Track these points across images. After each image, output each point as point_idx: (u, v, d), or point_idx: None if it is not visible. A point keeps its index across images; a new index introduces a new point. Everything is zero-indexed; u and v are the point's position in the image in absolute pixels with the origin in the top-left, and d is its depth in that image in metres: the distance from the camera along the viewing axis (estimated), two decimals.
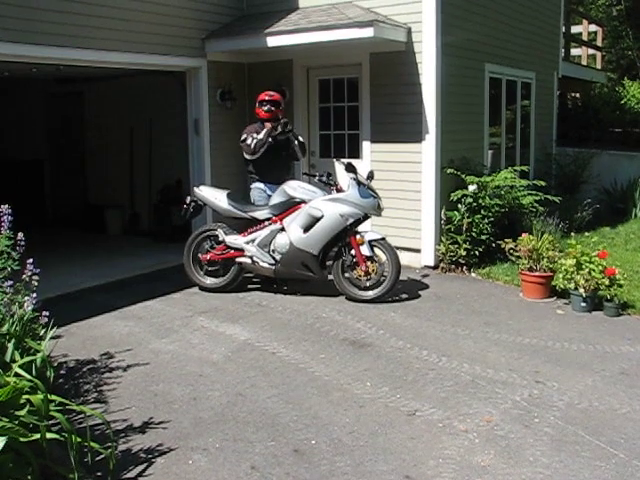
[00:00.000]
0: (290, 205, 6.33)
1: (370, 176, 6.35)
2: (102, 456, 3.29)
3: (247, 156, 6.60)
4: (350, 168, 6.12)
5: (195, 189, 6.86)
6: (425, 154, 7.29)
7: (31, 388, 3.08)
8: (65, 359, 4.73)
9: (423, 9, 7.10)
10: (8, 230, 3.87)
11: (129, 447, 3.50)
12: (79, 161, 10.74)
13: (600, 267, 5.78)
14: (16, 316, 3.70)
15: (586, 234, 7.23)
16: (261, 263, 6.32)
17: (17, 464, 2.80)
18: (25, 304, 3.74)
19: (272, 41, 7.40)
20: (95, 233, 9.89)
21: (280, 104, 6.74)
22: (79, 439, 3.07)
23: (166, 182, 9.39)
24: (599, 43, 16.33)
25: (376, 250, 6.13)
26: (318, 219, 6.12)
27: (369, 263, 6.08)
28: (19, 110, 11.03)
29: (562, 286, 6.01)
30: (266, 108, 6.64)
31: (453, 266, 7.25)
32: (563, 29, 12.00)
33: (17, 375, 3.18)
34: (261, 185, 6.71)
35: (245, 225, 6.49)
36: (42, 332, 3.84)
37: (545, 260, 6.17)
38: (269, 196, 6.60)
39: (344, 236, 6.16)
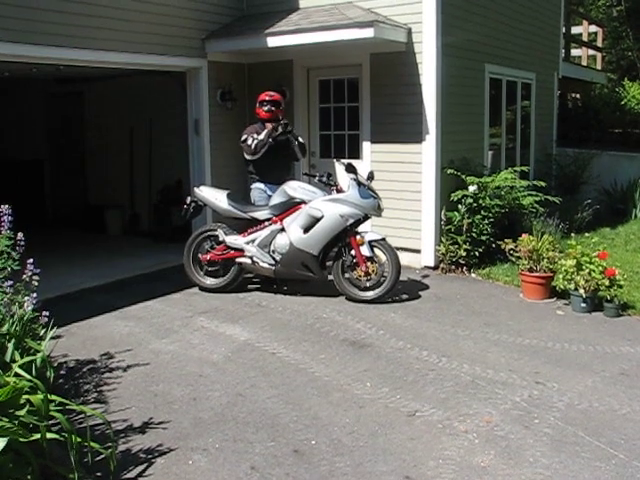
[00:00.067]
0: (290, 205, 6.33)
1: (370, 176, 6.35)
2: (102, 456, 3.29)
3: (247, 156, 6.60)
4: (350, 168, 6.12)
5: (195, 189, 6.86)
6: (425, 154, 7.29)
7: (31, 388, 3.08)
8: (65, 359, 4.73)
9: (423, 10, 7.10)
10: (8, 230, 3.87)
11: (129, 447, 3.50)
12: (79, 161, 10.74)
13: (600, 268, 5.78)
14: (16, 316, 3.70)
15: (586, 235, 7.24)
16: (261, 263, 6.32)
17: (17, 464, 2.80)
18: (25, 304, 3.74)
19: (272, 41, 7.40)
20: (95, 233, 9.89)
21: (280, 104, 6.75)
22: (79, 439, 3.07)
23: (166, 182, 9.39)
24: (599, 44, 16.34)
25: (376, 250, 6.13)
26: (318, 219, 6.12)
27: (369, 263, 6.08)
28: (19, 110, 11.03)
29: (562, 287, 6.01)
30: (266, 108, 6.64)
31: (453, 267, 7.25)
32: (563, 30, 12.01)
33: (17, 375, 3.18)
34: (261, 185, 6.71)
35: (245, 225, 6.49)
36: (42, 332, 3.84)
37: (545, 261, 6.17)
38: (269, 196, 6.59)
39: (344, 236, 6.16)
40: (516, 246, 6.43)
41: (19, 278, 3.86)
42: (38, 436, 2.86)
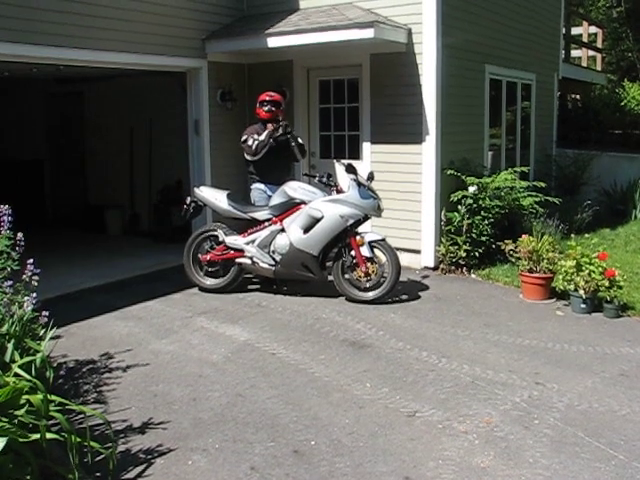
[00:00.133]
0: (290, 206, 6.33)
1: (370, 177, 6.35)
2: (102, 456, 3.29)
3: (248, 157, 6.60)
4: (350, 169, 6.11)
5: (195, 189, 6.86)
6: (425, 155, 7.29)
7: (31, 388, 3.08)
8: (65, 359, 4.73)
9: (423, 10, 7.10)
10: (8, 230, 3.87)
11: (128, 447, 3.50)
12: (79, 161, 10.74)
13: (600, 269, 5.78)
14: (16, 316, 3.69)
15: (586, 235, 7.24)
16: (261, 264, 6.32)
17: (17, 464, 2.80)
18: (25, 304, 3.74)
19: (272, 42, 7.40)
20: (95, 233, 9.89)
21: (281, 104, 6.75)
22: (79, 439, 3.07)
23: (166, 182, 9.39)
24: (599, 45, 16.34)
25: (376, 251, 6.13)
26: (318, 220, 6.12)
27: (369, 264, 6.08)
28: (19, 110, 11.03)
29: (562, 287, 6.01)
30: (267, 108, 6.64)
31: (453, 267, 7.25)
32: (563, 31, 12.02)
33: (17, 375, 3.18)
34: (261, 186, 6.71)
35: (245, 226, 6.49)
36: (42, 332, 3.83)
37: (545, 261, 6.17)
38: (269, 197, 6.59)
39: (344, 237, 6.16)
40: (516, 247, 6.43)
41: (19, 278, 3.86)
42: (38, 436, 2.86)
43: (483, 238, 7.20)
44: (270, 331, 5.37)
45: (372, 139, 7.71)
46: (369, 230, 6.86)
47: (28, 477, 2.81)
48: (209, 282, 6.58)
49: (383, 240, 6.16)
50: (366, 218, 6.23)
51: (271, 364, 4.67)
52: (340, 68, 7.99)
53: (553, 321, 5.67)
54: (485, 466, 3.31)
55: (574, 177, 10.56)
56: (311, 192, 6.30)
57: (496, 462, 3.35)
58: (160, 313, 5.89)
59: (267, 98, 6.69)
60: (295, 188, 6.37)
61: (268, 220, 6.38)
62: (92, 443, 3.15)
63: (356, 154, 7.92)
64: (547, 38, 10.56)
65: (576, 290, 5.82)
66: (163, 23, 7.35)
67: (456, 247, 7.15)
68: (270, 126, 6.55)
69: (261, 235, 6.35)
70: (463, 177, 7.33)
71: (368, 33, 6.74)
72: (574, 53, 15.56)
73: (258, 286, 6.73)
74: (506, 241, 6.65)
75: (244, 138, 6.61)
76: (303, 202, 6.27)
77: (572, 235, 6.65)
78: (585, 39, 15.48)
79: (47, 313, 3.80)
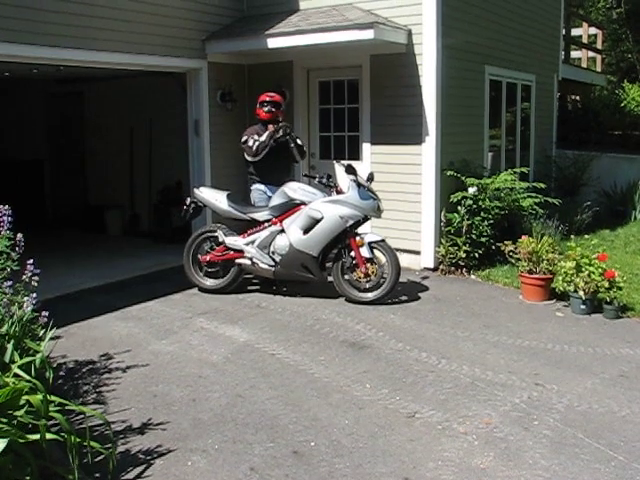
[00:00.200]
0: (290, 207, 6.33)
1: (370, 178, 6.36)
2: (101, 457, 3.29)
3: (248, 158, 6.60)
4: (350, 170, 6.12)
5: (195, 190, 6.86)
6: (425, 156, 7.29)
7: (30, 389, 3.08)
8: (64, 360, 4.73)
9: (423, 11, 7.11)
10: (8, 230, 3.87)
11: (128, 448, 3.50)
12: (79, 161, 10.75)
13: (600, 270, 5.78)
14: (16, 317, 3.69)
15: (586, 237, 7.24)
16: (261, 264, 6.32)
17: (16, 465, 2.80)
18: (25, 305, 3.74)
19: (272, 42, 7.40)
20: (95, 234, 9.89)
21: (281, 105, 6.75)
22: (78, 439, 3.07)
23: (166, 183, 9.39)
24: (599, 46, 16.34)
25: (376, 252, 6.13)
26: (318, 221, 6.12)
27: (369, 265, 6.08)
28: (19, 110, 11.03)
29: (562, 288, 6.01)
30: (267, 109, 6.64)
31: (453, 268, 7.25)
32: (563, 32, 12.02)
33: (16, 376, 3.18)
34: (261, 186, 6.71)
35: (245, 226, 6.49)
36: (41, 333, 3.83)
37: (545, 262, 6.17)
38: (269, 197, 6.60)
39: (344, 238, 6.16)
40: (516, 248, 6.43)
41: (19, 278, 3.86)
42: (37, 436, 2.86)
43: (483, 239, 7.20)
44: (270, 332, 5.37)
45: (372, 140, 7.71)
46: (369, 231, 6.85)
47: (28, 478, 2.81)
48: (209, 283, 6.58)
49: (383, 241, 6.16)
50: (366, 219, 6.23)
51: (271, 365, 4.67)
52: (340, 69, 7.99)
53: (553, 322, 5.67)
54: (485, 467, 3.31)
55: (574, 178, 10.56)
56: (311, 193, 6.30)
57: (496, 463, 3.35)
58: (160, 314, 5.89)
59: (267, 99, 6.69)
60: (295, 189, 6.37)
61: (268, 221, 6.38)
62: (92, 443, 3.15)
63: (356, 155, 7.92)
64: (547, 39, 10.56)
65: (576, 291, 5.83)
66: (163, 24, 7.36)
67: (456, 248, 7.16)
68: (271, 127, 6.55)
69: (261, 236, 6.35)
70: (463, 178, 7.34)
71: (368, 34, 6.74)
72: (574, 54, 15.56)
73: (258, 287, 6.73)
74: (506, 242, 6.65)
75: (244, 139, 6.61)
76: (303, 203, 6.27)
77: (572, 236, 6.66)
78: (585, 40, 15.47)
79: (47, 313, 3.80)
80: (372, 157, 7.71)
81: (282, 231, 6.30)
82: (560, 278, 5.99)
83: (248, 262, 6.37)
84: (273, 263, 6.30)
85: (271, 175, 6.64)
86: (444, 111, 7.33)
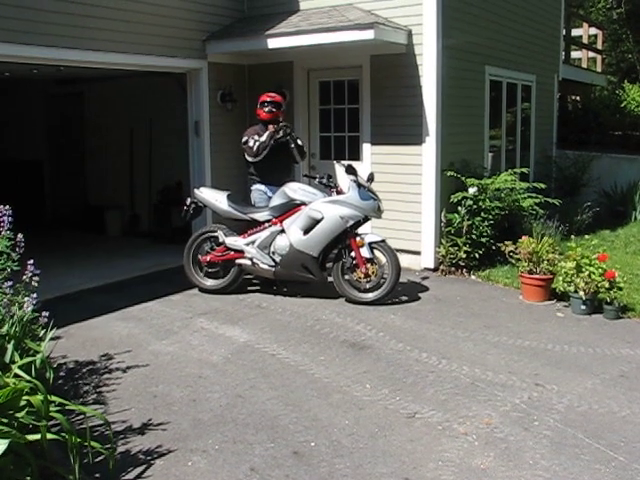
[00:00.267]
0: (290, 207, 6.33)
1: (370, 178, 6.35)
2: (101, 458, 3.29)
3: (249, 158, 6.60)
4: (350, 170, 6.12)
5: (195, 190, 6.86)
6: (425, 156, 7.29)
7: (31, 389, 3.08)
8: (64, 360, 4.73)
9: (424, 12, 7.11)
10: (8, 231, 3.86)
11: (128, 449, 3.50)
12: (79, 162, 10.75)
13: (600, 270, 5.78)
14: (16, 317, 3.69)
15: (586, 237, 7.23)
16: (261, 265, 6.32)
17: (17, 465, 2.80)
18: (25, 305, 3.74)
19: (273, 43, 7.40)
20: (95, 234, 9.88)
21: (281, 106, 6.75)
22: (79, 440, 3.07)
23: (166, 183, 9.39)
24: (599, 46, 16.33)
25: (376, 252, 6.13)
26: (318, 221, 6.12)
27: (369, 265, 6.08)
28: (19, 110, 11.03)
29: (562, 289, 6.01)
30: (267, 109, 6.64)
31: (453, 268, 7.24)
32: (563, 32, 12.02)
33: (17, 376, 3.18)
34: (262, 187, 6.71)
35: (245, 227, 6.49)
36: (42, 333, 3.83)
37: (545, 263, 6.17)
38: (269, 198, 6.60)
39: (344, 238, 6.16)
40: (516, 248, 6.43)
41: (19, 279, 3.86)
42: (38, 437, 2.86)
43: (483, 239, 7.20)
44: (270, 332, 5.37)
45: (372, 140, 7.71)
46: (369, 231, 6.85)
47: (28, 478, 2.81)
48: (209, 283, 6.58)
49: (383, 241, 6.16)
50: (366, 219, 6.23)
51: (271, 365, 4.67)
52: (340, 69, 7.99)
53: (553, 322, 5.67)
54: (485, 467, 3.31)
55: (574, 178, 10.56)
56: (311, 193, 6.30)
57: (496, 463, 3.35)
58: (160, 314, 5.89)
59: (268, 99, 6.69)
60: (295, 189, 6.37)
61: (268, 221, 6.38)
62: (93, 443, 3.15)
63: (356, 155, 7.92)
64: (547, 39, 10.56)
65: (576, 291, 5.83)
66: (163, 24, 7.36)
67: (456, 248, 7.15)
68: (271, 127, 6.55)
69: (261, 236, 6.35)
70: (463, 178, 7.33)
71: (368, 34, 6.74)
72: (574, 54, 15.55)
73: (258, 287, 6.73)
74: (506, 242, 6.65)
75: (245, 139, 6.60)
76: (303, 203, 6.27)
77: (572, 236, 6.65)
78: (585, 40, 15.47)
79: (47, 314, 3.80)
80: (372, 157, 7.71)
81: (282, 231, 6.30)
82: (560, 278, 5.99)
83: (248, 262, 6.37)
84: (273, 263, 6.30)
85: (271, 175, 6.64)
86: (444, 111, 7.33)
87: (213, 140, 8.11)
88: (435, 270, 7.36)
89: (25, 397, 2.97)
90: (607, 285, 5.74)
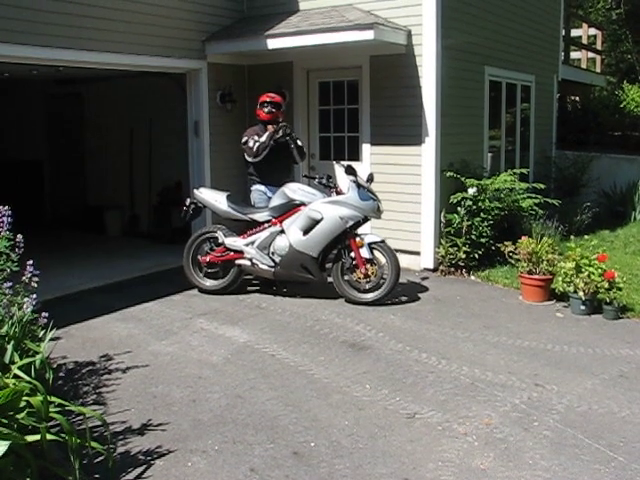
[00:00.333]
0: (290, 207, 6.33)
1: (370, 179, 6.36)
2: (101, 458, 3.29)
3: (249, 158, 6.60)
4: (350, 170, 6.12)
5: (195, 191, 6.86)
6: (425, 157, 7.30)
7: (31, 390, 3.08)
8: (64, 361, 4.73)
9: (423, 12, 7.11)
10: (7, 231, 3.86)
11: (128, 449, 3.49)
12: (78, 162, 10.74)
13: (599, 270, 5.78)
14: (15, 317, 3.69)
15: (585, 237, 7.24)
16: (260, 265, 6.32)
17: (17, 466, 2.80)
18: (24, 305, 3.74)
19: (272, 43, 7.40)
20: (94, 234, 9.88)
21: (281, 106, 6.75)
22: (79, 440, 3.07)
23: (166, 184, 9.39)
24: (599, 46, 16.34)
25: (376, 253, 6.14)
26: (318, 221, 6.12)
27: (368, 266, 6.08)
28: (19, 111, 11.03)
29: (561, 289, 6.01)
30: (267, 109, 6.64)
31: (452, 269, 7.25)
32: (563, 32, 12.02)
33: (16, 377, 3.18)
34: (261, 187, 6.71)
35: (245, 227, 6.49)
36: (41, 334, 3.83)
37: (544, 263, 6.17)
38: (269, 198, 6.60)
39: (344, 238, 6.16)
40: (515, 248, 6.43)
41: (18, 279, 3.86)
42: (38, 437, 2.86)
43: (482, 240, 7.20)
44: (270, 332, 5.37)
45: (372, 141, 7.71)
46: (369, 232, 6.86)
47: (27, 479, 2.81)
48: (209, 283, 6.58)
49: (383, 242, 6.16)
50: (366, 220, 6.23)
51: (271, 365, 4.67)
52: (340, 70, 8.00)
53: (552, 323, 5.68)
54: (485, 468, 3.31)
55: (573, 179, 10.56)
56: (311, 194, 6.30)
57: (496, 464, 3.35)
58: (160, 314, 5.89)
59: (267, 99, 6.69)
60: (295, 189, 6.37)
61: (268, 222, 6.38)
62: (93, 444, 3.15)
63: (356, 156, 7.92)
64: (546, 40, 10.56)
65: (575, 292, 5.83)
66: (163, 24, 7.35)
67: (455, 249, 7.16)
68: (271, 127, 6.55)
69: (261, 236, 6.35)
70: (463, 179, 7.34)
71: (368, 35, 6.74)
72: (573, 55, 15.56)
73: (258, 287, 6.73)
74: (506, 243, 6.66)
75: (245, 139, 6.61)
76: (303, 203, 6.27)
77: (571, 237, 6.66)
78: (584, 41, 15.48)
79: (46, 314, 3.80)
80: (372, 158, 7.71)
81: (282, 232, 6.30)
82: (560, 279, 5.99)
83: (248, 263, 6.37)
84: (273, 264, 6.30)
85: (271, 176, 6.64)
86: (444, 112, 7.33)
87: (213, 140, 8.11)
88: (435, 270, 7.36)
89: (25, 398, 2.97)
90: (606, 285, 5.75)
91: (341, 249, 6.21)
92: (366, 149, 7.79)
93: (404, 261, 7.06)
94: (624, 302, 5.91)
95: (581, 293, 5.78)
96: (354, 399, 4.12)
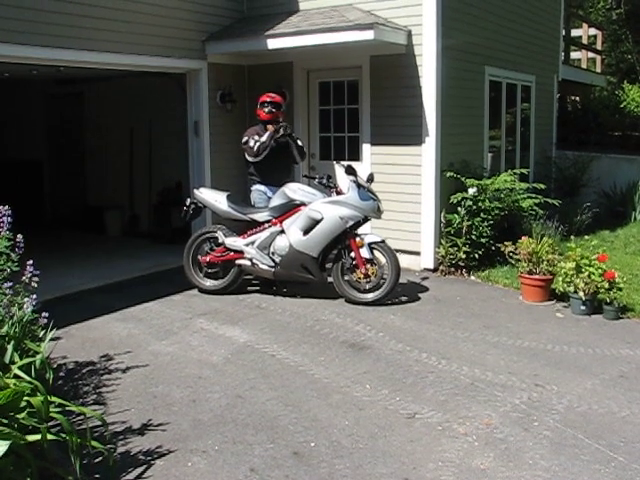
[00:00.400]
0: (290, 207, 6.33)
1: (370, 179, 6.36)
2: (101, 458, 3.29)
3: (249, 158, 6.60)
4: (350, 170, 6.12)
5: (195, 191, 6.86)
6: (425, 157, 7.30)
7: (31, 390, 3.08)
8: (64, 361, 4.73)
9: (423, 12, 7.11)
10: (7, 231, 3.86)
11: (128, 449, 3.50)
12: (79, 162, 10.75)
13: (600, 270, 5.78)
14: (15, 317, 3.70)
15: (586, 237, 7.24)
16: (261, 265, 6.32)
17: (17, 466, 2.80)
18: (24, 305, 3.74)
19: (272, 43, 7.40)
20: (94, 234, 9.88)
21: (281, 106, 6.75)
22: (79, 440, 3.07)
23: (166, 184, 9.39)
24: (599, 47, 16.34)
25: (376, 253, 6.13)
26: (318, 221, 6.12)
27: (369, 266, 6.08)
28: (19, 111, 11.04)
29: (562, 289, 6.01)
30: (267, 109, 6.65)
31: (453, 269, 7.25)
32: (563, 32, 12.02)
33: (16, 377, 3.18)
34: (262, 187, 6.71)
35: (245, 227, 6.49)
36: (41, 334, 3.83)
37: (545, 263, 6.17)
38: (269, 198, 6.60)
39: (344, 238, 6.16)
40: (515, 248, 6.43)
41: (19, 279, 3.86)
42: (38, 437, 2.86)
43: (483, 240, 7.20)
44: (270, 332, 5.37)
45: (372, 141, 7.71)
46: (369, 232, 6.85)
47: (27, 479, 2.81)
48: (209, 283, 6.58)
49: (383, 242, 6.16)
50: (366, 220, 6.23)
51: (271, 365, 4.67)
52: (340, 70, 8.00)
53: (553, 323, 5.67)
54: (485, 468, 3.31)
55: (574, 179, 10.56)
56: (311, 194, 6.30)
57: (496, 464, 3.35)
58: (160, 314, 5.89)
59: (268, 99, 6.69)
60: (295, 189, 6.37)
61: (268, 222, 6.38)
62: (93, 443, 3.15)
63: (356, 156, 7.92)
64: (547, 40, 10.57)
65: (576, 292, 5.83)
66: (163, 24, 7.36)
67: (456, 249, 7.16)
68: (271, 127, 6.55)
69: (261, 237, 6.35)
70: (463, 179, 7.33)
71: (368, 35, 6.74)
72: (574, 55, 15.56)
73: (258, 287, 6.73)
74: (506, 243, 6.65)
75: (245, 139, 6.61)
76: (303, 204, 6.27)
77: (572, 237, 6.66)
78: (585, 41, 15.48)
79: (46, 314, 3.80)
80: (372, 158, 7.71)
81: (282, 232, 6.30)
82: (560, 279, 5.99)
83: (248, 263, 6.37)
84: (273, 264, 6.30)
85: (271, 176, 6.64)
86: (444, 112, 7.33)
87: (213, 140, 8.11)
88: (435, 270, 7.36)
89: (25, 398, 2.97)
90: (607, 285, 5.74)
91: (341, 249, 6.21)
92: (366, 149, 7.79)
93: (404, 261, 7.06)
94: (624, 302, 5.91)
95: (581, 293, 5.78)
96: (354, 399, 4.12)
